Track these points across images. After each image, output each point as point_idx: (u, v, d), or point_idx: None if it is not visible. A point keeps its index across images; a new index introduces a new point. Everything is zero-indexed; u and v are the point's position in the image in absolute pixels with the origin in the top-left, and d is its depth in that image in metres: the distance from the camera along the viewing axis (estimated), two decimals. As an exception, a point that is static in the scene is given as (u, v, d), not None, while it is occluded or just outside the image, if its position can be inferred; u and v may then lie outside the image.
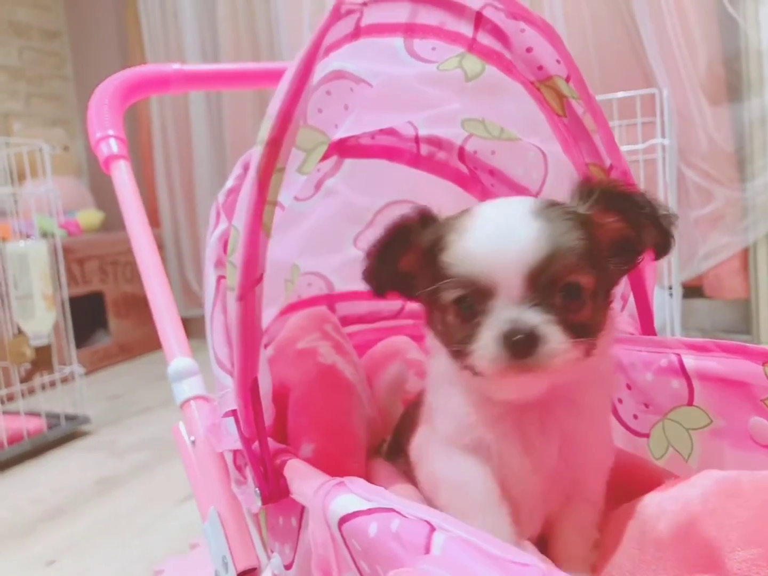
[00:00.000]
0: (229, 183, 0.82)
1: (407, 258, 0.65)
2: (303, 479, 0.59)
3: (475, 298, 0.58)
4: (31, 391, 2.20)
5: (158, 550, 1.42)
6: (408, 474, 0.75)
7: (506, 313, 0.56)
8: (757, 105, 2.24)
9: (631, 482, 0.73)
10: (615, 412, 0.84)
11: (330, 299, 1.07)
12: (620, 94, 2.14)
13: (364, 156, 0.96)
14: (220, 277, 0.74)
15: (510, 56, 0.72)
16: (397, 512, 0.45)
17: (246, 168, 0.81)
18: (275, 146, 0.56)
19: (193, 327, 2.65)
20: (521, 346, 0.55)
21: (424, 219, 0.65)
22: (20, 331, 2.13)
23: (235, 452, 0.69)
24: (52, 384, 2.22)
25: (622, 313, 0.84)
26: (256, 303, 0.59)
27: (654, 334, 0.82)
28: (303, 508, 0.62)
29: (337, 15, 0.61)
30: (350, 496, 0.50)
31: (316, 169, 0.93)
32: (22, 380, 2.14)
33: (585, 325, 0.59)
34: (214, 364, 0.72)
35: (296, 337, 0.94)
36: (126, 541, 1.49)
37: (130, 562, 1.39)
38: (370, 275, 0.67)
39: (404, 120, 0.92)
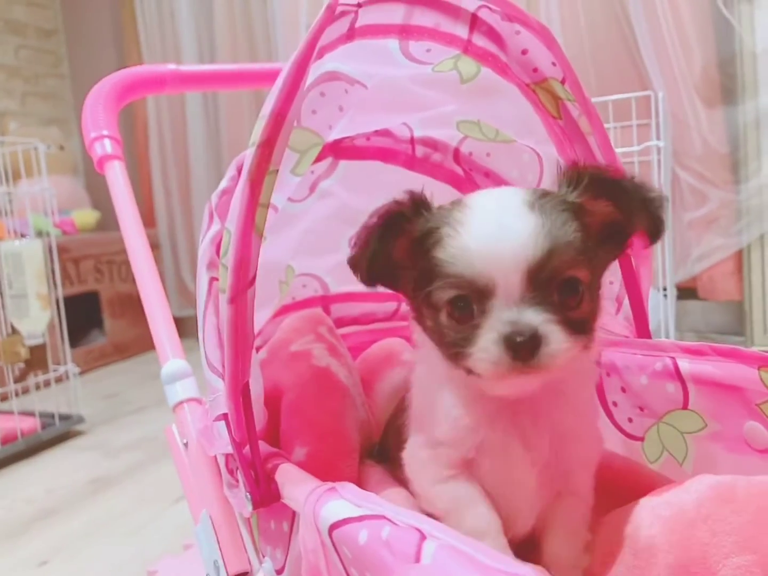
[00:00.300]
0: (223, 184, 0.82)
1: (399, 245, 0.63)
2: (294, 484, 0.59)
3: (472, 299, 0.56)
4: (25, 391, 2.19)
5: (152, 551, 1.41)
6: (399, 478, 0.75)
7: (506, 313, 0.55)
8: (751, 107, 2.24)
9: (625, 487, 0.73)
10: (610, 416, 0.84)
11: (325, 301, 1.07)
12: (615, 97, 2.14)
13: (359, 157, 0.95)
14: (213, 279, 0.73)
15: (505, 58, 0.72)
16: (388, 519, 0.45)
17: (240, 169, 0.81)
18: (268, 148, 0.56)
19: (188, 326, 2.64)
20: (524, 349, 0.53)
21: (417, 205, 0.63)
22: (14, 331, 2.12)
23: (227, 456, 0.68)
24: (47, 383, 2.21)
25: (617, 316, 0.83)
26: (247, 306, 0.58)
27: (649, 337, 0.82)
28: (295, 513, 0.62)
29: (330, 16, 0.60)
30: (341, 502, 0.50)
31: (311, 171, 0.92)
32: (16, 380, 2.13)
33: (583, 321, 0.58)
34: (205, 366, 0.71)
35: (290, 339, 0.93)
36: (120, 541, 1.48)
37: (124, 563, 1.38)
38: (358, 261, 0.63)
39: (399, 121, 0.92)
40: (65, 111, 3.90)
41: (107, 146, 1.04)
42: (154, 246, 3.38)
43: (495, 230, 0.56)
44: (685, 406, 0.74)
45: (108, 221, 3.41)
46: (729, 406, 0.70)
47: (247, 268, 0.57)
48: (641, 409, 0.80)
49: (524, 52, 0.71)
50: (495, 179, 0.94)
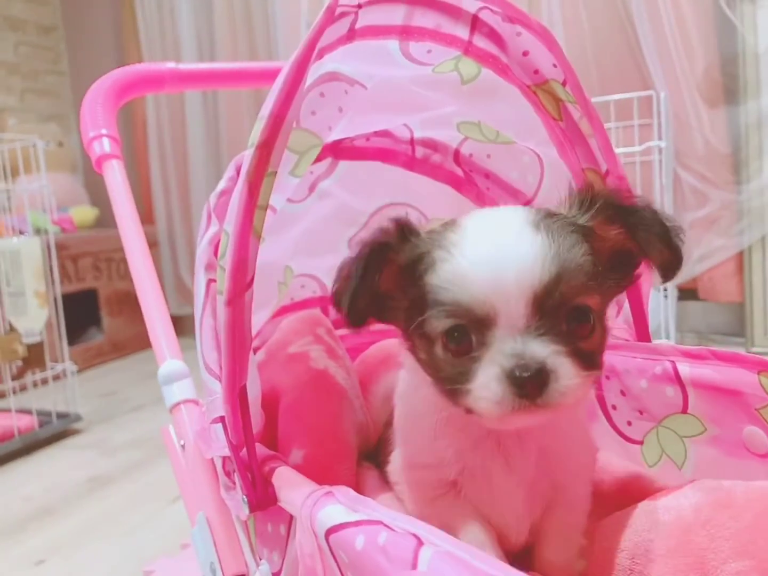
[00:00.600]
0: (221, 185, 0.81)
1: (385, 275, 0.57)
2: (291, 487, 0.59)
3: (470, 328, 0.51)
4: (23, 389, 2.19)
5: (149, 550, 1.41)
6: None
7: (509, 345, 0.49)
8: (753, 108, 2.24)
9: (623, 493, 0.72)
10: (609, 419, 0.84)
11: (323, 301, 1.06)
12: (617, 96, 2.14)
13: (358, 158, 0.95)
14: (210, 281, 0.73)
15: (506, 60, 0.72)
16: (385, 525, 0.44)
17: (239, 170, 0.80)
18: (266, 149, 0.56)
19: (186, 324, 2.64)
20: (530, 385, 0.48)
21: (403, 232, 0.57)
22: (12, 328, 2.12)
23: (224, 458, 0.68)
24: (44, 381, 2.21)
25: (617, 319, 0.83)
26: (245, 308, 0.58)
27: (649, 340, 0.82)
28: (292, 516, 0.61)
29: (330, 17, 0.60)
30: (338, 506, 0.49)
31: (310, 171, 0.92)
32: (14, 377, 2.13)
33: (593, 353, 0.53)
34: (202, 368, 0.71)
35: (288, 340, 0.93)
36: (116, 540, 1.48)
37: (121, 562, 1.38)
38: (341, 299, 0.57)
39: (399, 122, 0.91)
40: (64, 108, 3.90)
41: (105, 145, 1.03)
42: (153, 244, 3.39)
43: (495, 252, 0.51)
44: (684, 410, 0.74)
45: (106, 218, 3.40)
46: (728, 411, 0.70)
47: (245, 270, 0.57)
48: (641, 412, 0.80)
49: (525, 53, 0.71)
50: (495, 180, 0.94)
